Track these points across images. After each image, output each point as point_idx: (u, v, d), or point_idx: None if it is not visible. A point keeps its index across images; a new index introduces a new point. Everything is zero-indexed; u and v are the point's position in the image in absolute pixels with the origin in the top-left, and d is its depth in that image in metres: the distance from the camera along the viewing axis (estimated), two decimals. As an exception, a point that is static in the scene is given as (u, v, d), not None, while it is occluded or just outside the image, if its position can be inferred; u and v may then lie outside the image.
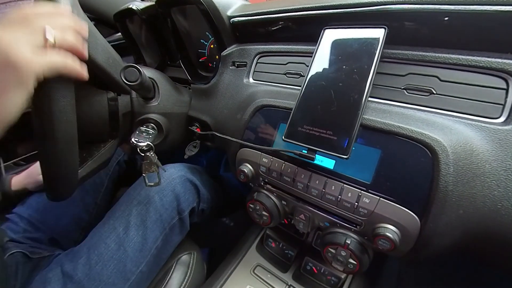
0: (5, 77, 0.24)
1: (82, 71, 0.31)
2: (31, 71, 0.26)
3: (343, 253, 0.40)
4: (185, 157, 0.66)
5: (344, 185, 0.37)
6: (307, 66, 0.44)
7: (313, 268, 0.57)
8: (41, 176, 0.64)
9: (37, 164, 0.69)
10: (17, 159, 0.86)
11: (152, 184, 0.53)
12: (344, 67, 0.38)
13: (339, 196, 0.38)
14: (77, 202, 0.68)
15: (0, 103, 0.25)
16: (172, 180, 0.57)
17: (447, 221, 0.32)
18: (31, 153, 0.88)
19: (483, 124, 0.31)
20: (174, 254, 0.59)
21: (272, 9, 0.49)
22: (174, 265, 0.58)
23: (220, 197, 0.71)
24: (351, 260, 0.40)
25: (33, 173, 0.68)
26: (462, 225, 0.32)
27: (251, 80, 0.54)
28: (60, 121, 0.34)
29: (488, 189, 0.30)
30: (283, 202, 0.47)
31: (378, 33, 0.37)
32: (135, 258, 0.50)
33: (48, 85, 0.32)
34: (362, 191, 0.36)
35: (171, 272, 0.57)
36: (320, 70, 0.40)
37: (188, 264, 0.59)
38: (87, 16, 0.42)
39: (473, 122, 0.32)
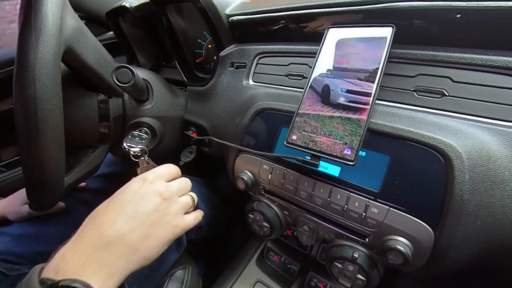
0: (165, 233, 0.37)
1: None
2: (183, 231, 0.40)
3: (351, 268, 0.39)
4: (180, 163, 0.65)
5: (351, 193, 0.37)
6: (310, 67, 0.44)
7: (318, 284, 0.55)
8: (24, 206, 0.63)
9: (21, 191, 0.67)
10: (-2, 164, 0.85)
11: None
12: (349, 68, 0.38)
13: (345, 206, 0.37)
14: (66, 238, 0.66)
15: (159, 249, 0.37)
16: None
17: (463, 233, 0.31)
18: (13, 158, 0.86)
19: (501, 128, 0.31)
20: (167, 269, 0.58)
21: (273, 7, 0.49)
22: (167, 281, 0.57)
23: (220, 212, 0.70)
24: (359, 276, 0.39)
25: (15, 202, 0.64)
26: (480, 237, 0.31)
27: (250, 82, 0.54)
28: (46, 125, 0.34)
29: (509, 198, 0.30)
30: (285, 212, 0.47)
31: (386, 32, 0.37)
32: (126, 280, 0.48)
33: (34, 86, 0.32)
34: (370, 200, 0.35)
35: (163, 289, 0.55)
36: (324, 71, 0.40)
37: (182, 280, 0.58)
38: (78, 15, 0.42)
39: (490, 126, 0.32)
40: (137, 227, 0.35)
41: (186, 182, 0.44)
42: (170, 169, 0.43)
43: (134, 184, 0.38)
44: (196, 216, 0.43)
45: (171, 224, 0.38)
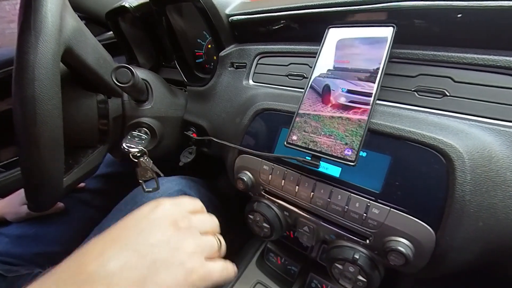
0: (173, 278, 0.25)
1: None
2: (201, 280, 0.27)
3: (351, 269, 0.39)
4: (180, 164, 0.65)
5: (351, 194, 0.37)
6: (311, 67, 0.44)
7: (318, 285, 0.55)
8: (22, 207, 0.63)
9: (20, 192, 0.67)
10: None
11: (151, 189, 0.53)
12: (350, 68, 0.38)
13: (346, 207, 0.37)
14: (66, 239, 0.64)
15: None
16: (169, 196, 0.56)
17: (465, 234, 0.31)
18: (12, 159, 0.86)
19: (502, 128, 0.31)
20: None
21: (274, 7, 0.49)
22: (166, 282, 0.57)
23: (220, 213, 0.70)
24: (360, 277, 0.38)
25: (14, 202, 0.64)
26: (482, 238, 0.31)
27: (250, 82, 0.54)
28: (44, 125, 0.34)
29: (510, 199, 0.30)
30: (286, 212, 0.46)
31: (386, 32, 0.37)
32: None
33: (33, 86, 0.32)
34: (370, 201, 0.35)
35: (163, 290, 0.55)
36: (324, 71, 0.40)
37: (182, 281, 0.58)
38: (77, 15, 0.42)
39: (491, 126, 0.32)
40: (133, 265, 0.24)
41: (212, 220, 0.35)
42: (193, 201, 0.35)
43: (144, 209, 0.30)
44: (225, 267, 0.30)
45: (184, 266, 0.26)
